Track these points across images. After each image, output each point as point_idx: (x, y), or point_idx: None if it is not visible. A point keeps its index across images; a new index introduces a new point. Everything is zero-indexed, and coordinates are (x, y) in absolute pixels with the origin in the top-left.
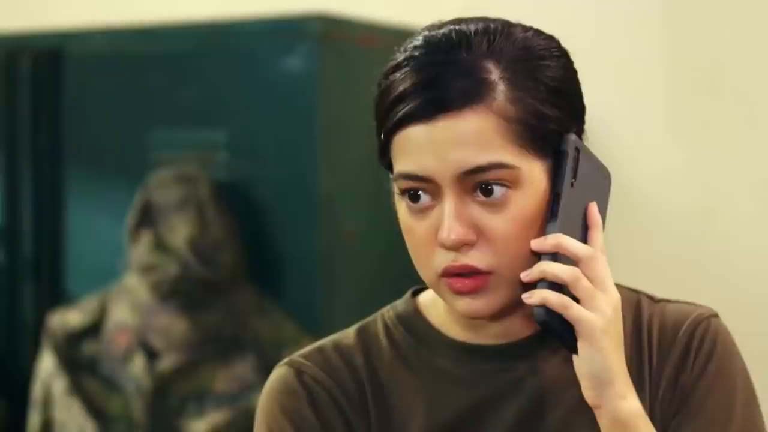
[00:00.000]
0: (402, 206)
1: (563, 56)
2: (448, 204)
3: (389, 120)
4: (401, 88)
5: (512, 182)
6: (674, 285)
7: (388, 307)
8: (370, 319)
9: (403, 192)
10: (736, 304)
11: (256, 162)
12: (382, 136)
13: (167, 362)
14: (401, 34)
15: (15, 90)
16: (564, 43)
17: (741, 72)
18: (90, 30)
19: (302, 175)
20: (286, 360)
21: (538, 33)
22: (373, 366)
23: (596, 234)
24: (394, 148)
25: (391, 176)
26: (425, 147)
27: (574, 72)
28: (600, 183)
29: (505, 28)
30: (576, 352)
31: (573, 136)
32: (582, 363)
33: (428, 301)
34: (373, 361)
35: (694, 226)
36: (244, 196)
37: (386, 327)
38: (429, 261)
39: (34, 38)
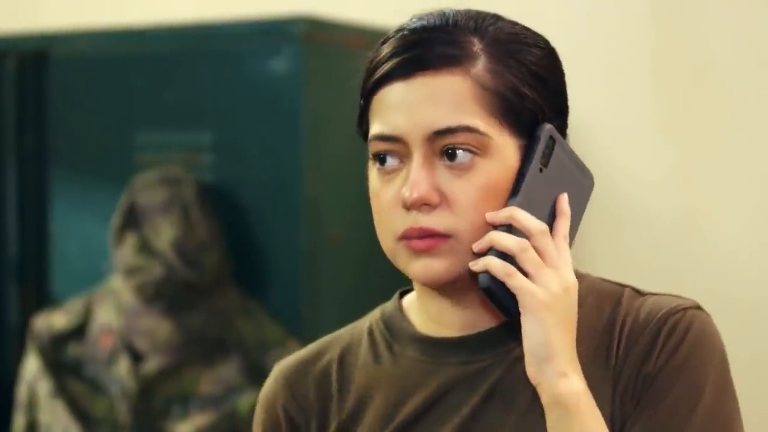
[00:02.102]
0: (372, 171)
1: (548, 49)
2: (415, 163)
3: (369, 81)
4: (384, 52)
5: (481, 149)
6: (659, 288)
7: (379, 307)
8: (362, 318)
9: (374, 156)
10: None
11: (242, 164)
12: (362, 101)
13: (152, 364)
14: None
15: (0, 91)
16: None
17: (728, 76)
18: (75, 32)
19: (287, 176)
20: (277, 363)
21: (526, 28)
22: (344, 368)
23: (561, 223)
24: (371, 111)
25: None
26: (399, 106)
27: (560, 68)
28: (578, 182)
29: (495, 18)
30: (519, 323)
31: (549, 126)
32: (525, 337)
33: (410, 300)
34: (346, 363)
35: (681, 230)
36: (230, 197)
37: (370, 326)
38: (390, 224)
39: (19, 40)
